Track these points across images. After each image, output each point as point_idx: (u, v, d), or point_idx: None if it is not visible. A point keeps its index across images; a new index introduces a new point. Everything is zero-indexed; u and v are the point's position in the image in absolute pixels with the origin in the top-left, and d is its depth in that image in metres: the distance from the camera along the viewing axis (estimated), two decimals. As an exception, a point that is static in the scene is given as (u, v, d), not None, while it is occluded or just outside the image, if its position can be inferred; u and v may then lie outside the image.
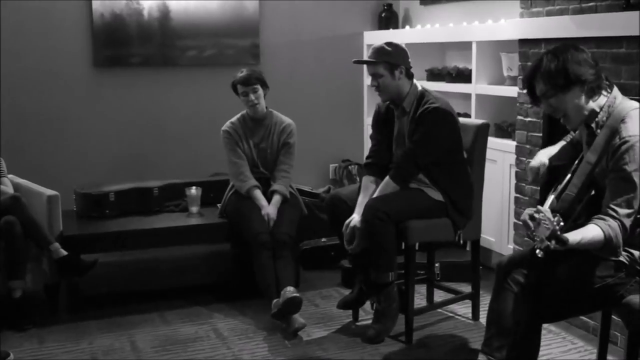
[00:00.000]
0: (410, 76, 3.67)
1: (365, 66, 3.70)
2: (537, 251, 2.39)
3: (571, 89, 2.61)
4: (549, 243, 2.36)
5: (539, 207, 2.49)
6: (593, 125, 2.69)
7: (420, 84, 3.74)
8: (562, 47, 2.66)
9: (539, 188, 3.99)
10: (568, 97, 2.63)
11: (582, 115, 2.67)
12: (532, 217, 2.46)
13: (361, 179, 3.85)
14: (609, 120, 2.64)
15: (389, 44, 3.65)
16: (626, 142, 2.54)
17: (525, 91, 2.76)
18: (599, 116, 2.67)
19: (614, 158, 2.56)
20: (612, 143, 2.58)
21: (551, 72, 2.60)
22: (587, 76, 2.61)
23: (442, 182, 3.62)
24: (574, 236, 2.44)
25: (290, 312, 3.71)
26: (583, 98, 2.64)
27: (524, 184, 4.19)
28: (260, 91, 4.25)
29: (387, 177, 3.63)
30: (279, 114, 4.39)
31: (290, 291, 3.70)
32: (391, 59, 3.61)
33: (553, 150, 3.04)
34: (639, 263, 2.60)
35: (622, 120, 2.60)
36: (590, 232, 2.49)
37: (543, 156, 3.01)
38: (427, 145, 3.58)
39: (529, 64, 4.06)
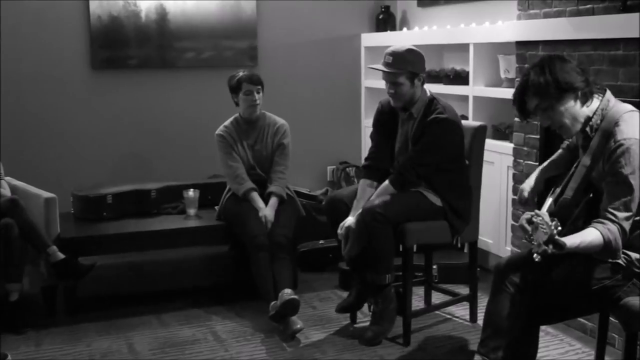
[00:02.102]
0: (423, 82, 3.67)
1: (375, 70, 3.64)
2: (535, 256, 2.39)
3: (564, 97, 2.62)
4: (546, 248, 2.37)
5: (537, 211, 2.49)
6: (587, 129, 2.69)
7: (429, 89, 3.72)
8: (547, 58, 2.67)
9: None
10: (562, 106, 2.63)
11: (578, 123, 2.67)
12: (529, 221, 2.46)
13: (359, 181, 3.84)
14: (603, 123, 2.65)
15: (410, 51, 3.60)
16: (621, 145, 2.55)
17: (515, 109, 2.75)
18: (593, 120, 2.68)
19: (609, 161, 2.57)
20: (607, 146, 2.59)
21: (541, 84, 2.60)
22: (578, 83, 2.62)
23: (442, 188, 3.62)
24: (573, 240, 2.45)
25: (288, 315, 3.71)
26: (577, 105, 2.65)
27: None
28: (261, 94, 4.25)
29: (387, 182, 3.62)
30: (272, 114, 4.38)
31: (288, 293, 3.70)
32: (414, 69, 3.59)
33: (531, 178, 3.04)
34: (637, 265, 2.60)
35: (616, 124, 2.60)
36: (589, 235, 2.49)
37: (526, 188, 3.01)
38: (430, 156, 3.57)
39: (526, 66, 4.06)
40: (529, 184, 3.02)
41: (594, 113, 2.67)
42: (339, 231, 3.63)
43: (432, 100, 3.64)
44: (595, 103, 2.68)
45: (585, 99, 2.65)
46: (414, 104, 3.65)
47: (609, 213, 2.53)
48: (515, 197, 4.24)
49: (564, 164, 2.97)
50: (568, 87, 2.60)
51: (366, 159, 3.87)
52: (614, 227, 2.50)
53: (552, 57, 2.67)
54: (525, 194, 3.00)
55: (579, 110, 2.65)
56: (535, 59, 2.83)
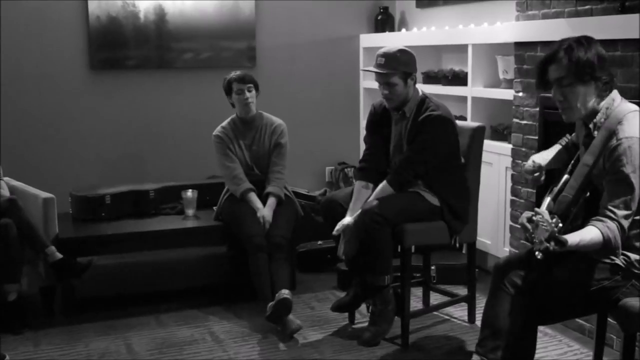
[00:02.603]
0: (415, 82, 3.67)
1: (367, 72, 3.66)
2: (537, 253, 2.38)
3: (589, 82, 2.61)
4: (547, 245, 2.36)
5: (537, 209, 2.49)
6: (591, 126, 2.69)
7: (421, 88, 3.73)
8: (590, 38, 2.64)
9: (535, 191, 4.01)
10: (583, 89, 2.62)
11: (585, 111, 2.66)
12: (530, 220, 2.46)
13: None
14: (606, 122, 2.65)
15: (402, 51, 3.61)
16: (623, 143, 2.54)
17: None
18: (597, 117, 2.67)
19: (610, 159, 2.57)
20: (609, 145, 2.58)
21: (580, 60, 2.58)
22: (605, 75, 2.63)
23: (439, 188, 3.62)
24: (573, 238, 2.44)
25: (282, 314, 3.70)
26: (593, 95, 2.64)
27: (519, 187, 4.20)
28: (254, 92, 4.26)
29: (384, 182, 3.62)
30: (269, 115, 4.39)
31: (283, 294, 3.70)
32: (406, 69, 3.59)
33: (548, 154, 3.02)
34: (636, 266, 2.60)
35: (619, 122, 2.60)
36: (589, 233, 2.49)
37: (537, 158, 3.00)
38: (426, 154, 3.57)
39: (525, 67, 4.08)
40: (543, 157, 2.98)
41: (600, 111, 2.67)
42: (337, 227, 3.62)
43: (424, 99, 3.64)
44: (603, 101, 2.68)
45: (603, 94, 2.66)
46: (407, 104, 3.65)
47: (609, 210, 2.53)
48: (514, 197, 4.25)
49: (562, 160, 2.96)
50: (599, 75, 2.61)
51: (361, 160, 3.87)
52: (613, 225, 2.50)
53: (595, 40, 2.65)
54: (543, 163, 2.94)
55: (592, 101, 2.65)
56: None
